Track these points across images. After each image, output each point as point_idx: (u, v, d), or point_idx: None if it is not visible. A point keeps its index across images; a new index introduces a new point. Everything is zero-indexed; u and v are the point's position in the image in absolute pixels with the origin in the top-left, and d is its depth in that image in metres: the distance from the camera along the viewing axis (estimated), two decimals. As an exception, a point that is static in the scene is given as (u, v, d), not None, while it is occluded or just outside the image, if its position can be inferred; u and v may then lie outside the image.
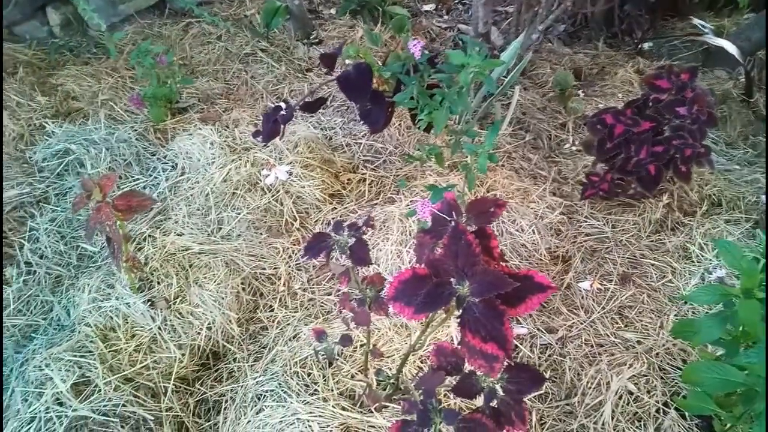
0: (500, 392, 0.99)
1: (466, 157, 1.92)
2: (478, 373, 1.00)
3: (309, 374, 1.37)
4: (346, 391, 1.35)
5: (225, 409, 1.41)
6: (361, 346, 1.43)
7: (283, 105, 1.86)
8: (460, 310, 0.92)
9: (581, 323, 1.60)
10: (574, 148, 2.21)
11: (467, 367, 1.01)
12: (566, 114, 2.34)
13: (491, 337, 0.88)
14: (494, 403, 0.99)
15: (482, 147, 1.56)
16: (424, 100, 1.67)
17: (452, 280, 0.94)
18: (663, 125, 1.78)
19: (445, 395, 1.31)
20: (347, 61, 2.35)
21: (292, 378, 1.37)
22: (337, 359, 1.39)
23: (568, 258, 1.79)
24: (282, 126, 1.86)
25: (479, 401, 0.98)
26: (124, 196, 1.38)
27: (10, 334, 1.51)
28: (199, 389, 1.47)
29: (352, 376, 1.37)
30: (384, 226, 1.80)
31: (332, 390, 1.34)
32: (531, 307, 0.94)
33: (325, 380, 1.35)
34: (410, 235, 1.75)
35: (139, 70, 2.08)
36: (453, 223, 1.01)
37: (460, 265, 0.94)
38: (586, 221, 1.90)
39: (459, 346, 0.95)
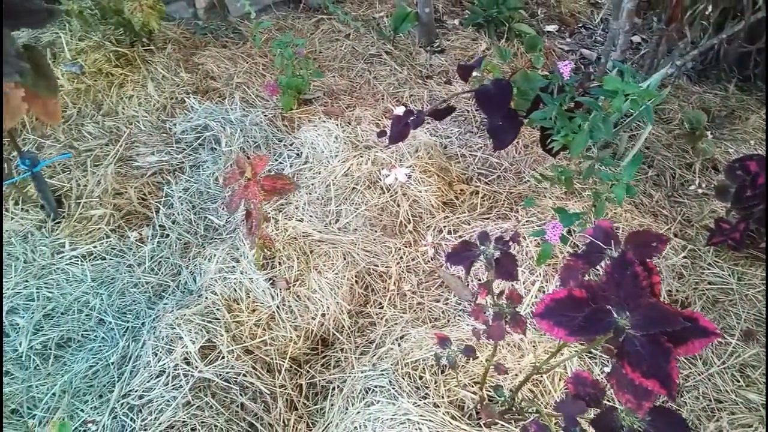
0: (639, 432, 0.97)
1: (597, 184, 1.89)
2: (620, 409, 0.98)
3: (421, 377, 1.39)
4: (456, 401, 1.36)
5: (332, 396, 1.45)
6: (474, 359, 1.42)
7: (414, 109, 1.90)
8: (619, 341, 0.90)
9: (699, 374, 1.53)
10: (700, 191, 2.11)
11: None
12: (694, 154, 2.24)
13: (654, 373, 0.86)
14: (631, 443, 0.96)
15: (621, 177, 1.53)
16: (562, 122, 1.65)
17: (609, 308, 0.93)
18: (814, 181, 1.67)
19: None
20: (474, 74, 2.37)
21: (403, 378, 1.39)
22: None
23: (687, 304, 1.71)
24: (411, 129, 1.90)
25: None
26: (270, 177, 1.45)
27: (143, 290, 1.62)
28: (308, 372, 1.52)
29: (464, 387, 1.37)
30: (499, 242, 1.79)
31: (443, 397, 1.35)
32: (692, 350, 0.91)
33: (436, 386, 1.37)
34: (527, 255, 1.74)
35: (278, 59, 2.18)
36: (618, 252, 1.00)
37: (623, 295, 0.93)
38: (709, 269, 1.81)
39: (596, 377, 0.94)
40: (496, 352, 1.20)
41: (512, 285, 1.66)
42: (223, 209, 1.90)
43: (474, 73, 2.36)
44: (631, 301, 0.92)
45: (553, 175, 1.66)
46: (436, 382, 1.37)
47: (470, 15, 2.87)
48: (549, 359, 1.15)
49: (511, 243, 1.12)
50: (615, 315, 0.91)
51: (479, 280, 1.75)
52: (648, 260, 1.03)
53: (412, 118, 1.89)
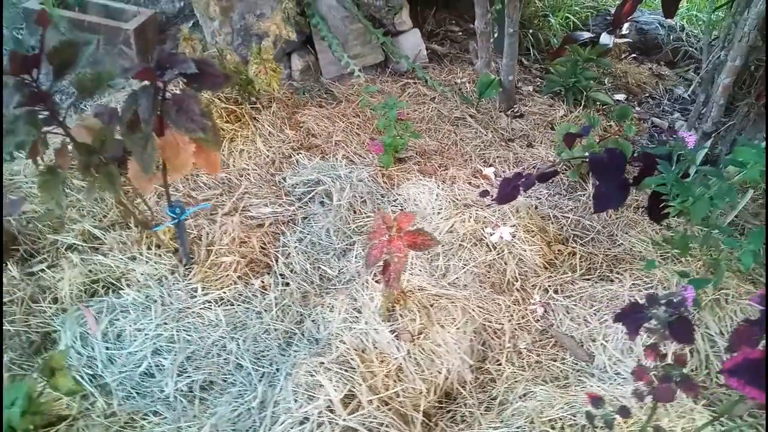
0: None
1: (712, 251, 1.93)
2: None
3: (562, 436, 1.40)
4: (599, 462, 1.36)
5: (466, 451, 1.47)
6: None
7: (523, 172, 1.99)
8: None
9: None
10: (796, 260, 2.14)
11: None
12: (784, 224, 2.28)
13: None
14: None
15: (747, 244, 1.58)
16: (679, 188, 1.72)
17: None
18: None
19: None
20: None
21: (542, 436, 1.40)
22: (593, 427, 1.41)
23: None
24: (521, 191, 1.98)
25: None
26: (412, 233, 1.52)
27: (274, 337, 1.67)
28: (436, 425, 1.54)
29: (606, 448, 1.37)
30: (611, 303, 1.83)
31: (586, 457, 1.35)
32: None
33: (579, 446, 1.38)
34: (641, 317, 1.76)
35: (381, 120, 2.31)
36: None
37: (816, 364, 0.96)
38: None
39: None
40: (654, 414, 1.22)
41: (684, 348, 1.67)
42: (336, 260, 1.97)
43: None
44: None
45: (676, 240, 1.72)
46: (579, 442, 1.38)
47: (549, 83, 3.01)
48: (711, 422, 1.17)
49: (683, 307, 1.16)
50: (810, 382, 0.95)
51: (593, 340, 1.77)
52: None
53: (522, 180, 1.98)
